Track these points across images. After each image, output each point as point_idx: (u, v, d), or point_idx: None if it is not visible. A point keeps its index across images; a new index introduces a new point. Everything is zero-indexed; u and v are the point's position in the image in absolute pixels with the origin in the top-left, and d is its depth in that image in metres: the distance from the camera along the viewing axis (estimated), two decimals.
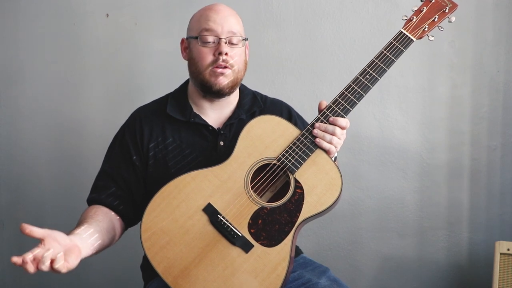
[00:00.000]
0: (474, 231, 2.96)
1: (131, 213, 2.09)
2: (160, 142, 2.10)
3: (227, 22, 2.03)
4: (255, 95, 2.22)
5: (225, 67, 2.02)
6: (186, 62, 2.13)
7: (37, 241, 3.13)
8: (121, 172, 2.09)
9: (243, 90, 2.20)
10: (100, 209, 2.04)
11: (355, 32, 2.95)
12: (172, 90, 2.23)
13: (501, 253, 2.55)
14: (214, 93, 2.07)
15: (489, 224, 2.95)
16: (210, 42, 2.03)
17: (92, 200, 2.10)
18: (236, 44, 2.05)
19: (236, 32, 2.05)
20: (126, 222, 2.11)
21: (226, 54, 2.01)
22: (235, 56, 2.04)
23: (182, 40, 2.14)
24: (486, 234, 2.94)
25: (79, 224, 1.96)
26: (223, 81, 2.04)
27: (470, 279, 2.97)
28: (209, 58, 2.03)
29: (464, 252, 2.97)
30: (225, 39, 2.02)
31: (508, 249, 2.54)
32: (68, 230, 3.09)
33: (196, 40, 2.05)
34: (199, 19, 2.06)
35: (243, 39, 2.08)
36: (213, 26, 2.02)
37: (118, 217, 2.08)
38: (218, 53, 2.01)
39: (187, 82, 2.18)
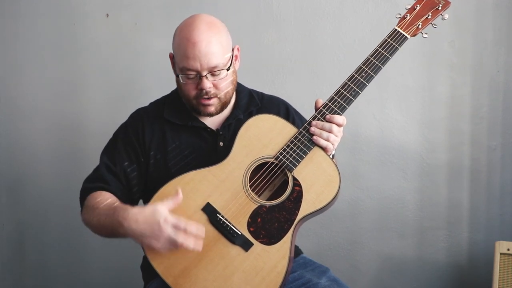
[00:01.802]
0: (474, 231, 2.96)
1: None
2: (160, 144, 2.10)
3: (205, 57, 1.96)
4: (251, 94, 2.22)
5: (210, 98, 2.02)
6: None
7: (36, 239, 3.14)
8: (123, 168, 2.08)
9: (240, 90, 2.20)
10: (115, 198, 2.03)
11: (355, 32, 2.95)
12: (171, 89, 2.23)
13: (501, 253, 2.55)
14: (205, 116, 2.09)
15: (489, 224, 2.94)
16: (191, 77, 2.00)
17: (96, 188, 2.06)
18: (219, 74, 2.01)
19: (217, 65, 1.98)
20: None
21: (209, 87, 2.00)
22: (219, 84, 2.02)
23: (170, 56, 2.12)
24: (486, 234, 2.94)
25: (113, 203, 1.95)
26: (211, 109, 2.05)
27: (470, 279, 2.97)
28: (193, 92, 2.02)
29: (464, 252, 2.97)
30: (205, 75, 1.98)
31: (508, 249, 2.54)
32: (68, 230, 3.12)
33: (180, 77, 2.03)
34: (179, 49, 2.00)
35: (227, 69, 2.02)
36: (193, 65, 1.97)
37: None
38: (200, 88, 2.00)
39: None
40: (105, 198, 2.00)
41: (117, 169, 2.08)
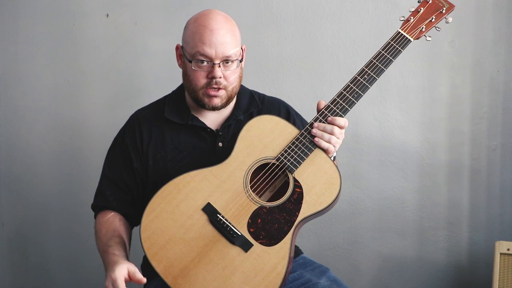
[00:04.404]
0: (474, 231, 2.96)
1: (132, 212, 2.11)
2: (159, 145, 2.11)
3: (221, 46, 1.98)
4: (252, 95, 2.22)
5: (219, 89, 2.02)
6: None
7: (36, 239, 3.14)
8: (123, 176, 2.11)
9: (241, 91, 2.20)
10: (117, 219, 2.09)
11: (355, 32, 2.95)
12: (172, 89, 2.23)
13: (501, 253, 2.55)
14: (208, 110, 2.08)
15: (489, 224, 2.94)
16: (203, 63, 2.00)
17: (101, 207, 2.13)
18: (231, 65, 2.03)
19: (231, 55, 2.00)
20: (130, 222, 2.14)
21: (220, 77, 2.01)
22: (229, 76, 2.03)
23: (177, 47, 2.12)
24: (486, 234, 2.94)
25: (111, 239, 2.01)
26: (217, 101, 2.04)
27: (470, 279, 2.97)
28: (202, 80, 2.02)
29: (464, 252, 2.97)
30: (218, 63, 2.00)
31: (508, 249, 2.54)
32: (68, 230, 3.12)
33: (192, 64, 2.02)
34: (194, 36, 2.01)
35: (240, 61, 2.05)
36: (207, 51, 1.98)
37: (126, 222, 2.12)
38: (211, 76, 2.00)
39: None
40: (108, 225, 2.07)
41: (116, 178, 2.12)
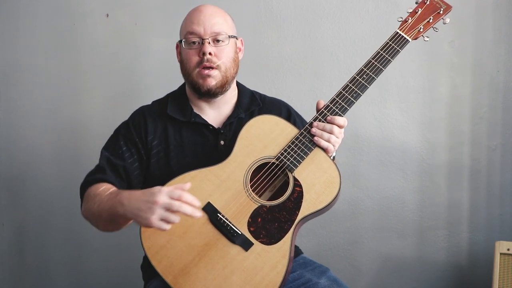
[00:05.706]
0: (474, 231, 2.96)
1: None
2: (162, 142, 2.12)
3: (209, 22, 2.04)
4: (253, 94, 2.23)
5: (211, 68, 2.04)
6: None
7: (36, 239, 3.14)
8: (124, 164, 2.08)
9: (242, 90, 2.22)
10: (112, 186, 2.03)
11: (355, 32, 2.96)
12: (172, 90, 2.24)
13: (501, 253, 2.55)
14: (204, 94, 2.09)
15: (489, 224, 2.94)
16: (194, 43, 2.06)
17: (98, 179, 2.05)
18: (221, 42, 2.06)
19: (220, 31, 2.05)
20: None
21: (210, 54, 2.03)
22: (220, 54, 2.06)
23: (177, 45, 2.16)
24: (486, 234, 2.94)
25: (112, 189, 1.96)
26: (211, 82, 2.06)
27: (470, 279, 2.97)
28: (194, 59, 2.05)
29: (464, 252, 2.97)
30: (208, 39, 2.04)
31: (508, 249, 2.54)
32: (68, 230, 3.12)
33: (183, 43, 2.08)
34: (185, 22, 2.10)
35: (230, 37, 2.08)
36: (196, 28, 2.04)
37: None
38: (202, 53, 2.04)
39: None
40: (109, 187, 2.00)
41: (118, 162, 2.08)
